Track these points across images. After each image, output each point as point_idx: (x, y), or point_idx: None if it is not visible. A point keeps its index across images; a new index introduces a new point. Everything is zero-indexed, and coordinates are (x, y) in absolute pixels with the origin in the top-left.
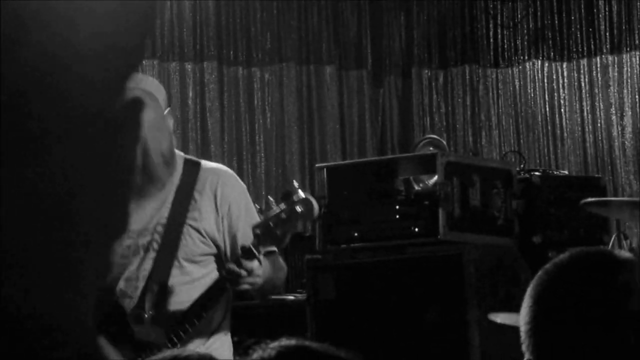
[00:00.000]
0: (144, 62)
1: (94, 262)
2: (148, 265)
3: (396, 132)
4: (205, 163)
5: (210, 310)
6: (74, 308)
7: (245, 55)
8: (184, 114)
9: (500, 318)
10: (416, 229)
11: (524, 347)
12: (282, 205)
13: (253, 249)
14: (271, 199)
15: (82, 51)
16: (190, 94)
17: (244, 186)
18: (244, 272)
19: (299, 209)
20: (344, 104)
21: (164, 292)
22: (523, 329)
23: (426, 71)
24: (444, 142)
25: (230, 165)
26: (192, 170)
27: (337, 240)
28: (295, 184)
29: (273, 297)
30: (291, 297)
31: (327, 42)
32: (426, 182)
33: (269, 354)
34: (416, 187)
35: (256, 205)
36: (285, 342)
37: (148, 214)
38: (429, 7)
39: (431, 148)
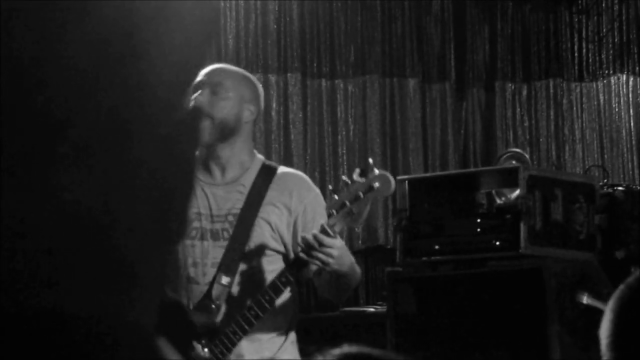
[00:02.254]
0: None
1: (149, 267)
2: (218, 253)
3: (479, 145)
4: (282, 167)
5: (274, 304)
6: (125, 312)
7: (329, 67)
8: (268, 126)
9: (586, 299)
10: (497, 243)
11: None
12: (359, 183)
13: (328, 229)
14: (346, 178)
15: (165, 77)
16: (274, 106)
17: (319, 191)
18: (317, 244)
19: (376, 184)
20: (427, 117)
21: (233, 283)
22: (604, 342)
23: (510, 85)
24: (527, 156)
25: (312, 178)
26: (268, 171)
27: (418, 252)
28: (371, 161)
29: (352, 308)
30: (371, 310)
31: (411, 55)
32: (508, 196)
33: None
34: (498, 201)
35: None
36: (346, 348)
37: (220, 202)
38: (513, 20)
39: (514, 161)
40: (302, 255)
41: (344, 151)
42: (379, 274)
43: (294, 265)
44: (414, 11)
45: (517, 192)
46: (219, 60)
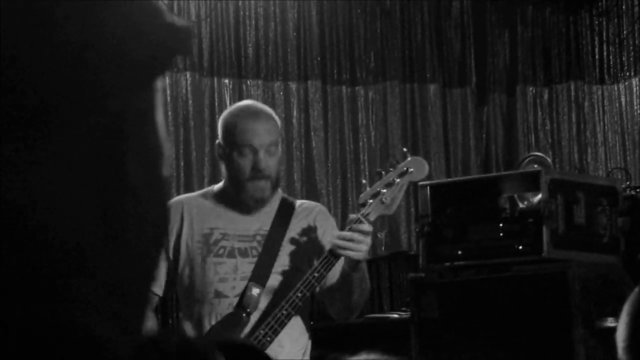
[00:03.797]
0: (248, 82)
1: (137, 266)
2: (247, 268)
3: (500, 149)
4: (299, 200)
5: (306, 300)
6: (119, 319)
7: (349, 74)
8: (288, 134)
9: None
10: (520, 247)
11: None
12: (393, 170)
13: (362, 217)
14: (380, 170)
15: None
16: (295, 114)
17: (333, 220)
18: (355, 235)
19: (410, 169)
20: (448, 122)
21: (263, 293)
22: (620, 346)
23: (531, 88)
24: (549, 160)
25: (334, 185)
26: (288, 201)
27: (441, 258)
28: (405, 149)
29: (375, 315)
30: (395, 316)
31: (431, 61)
32: (530, 200)
33: None
34: (520, 205)
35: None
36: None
37: (247, 224)
38: (533, 24)
39: (536, 165)
40: (335, 248)
41: (366, 158)
42: (402, 280)
43: (324, 262)
44: (433, 16)
45: (540, 196)
46: (239, 69)
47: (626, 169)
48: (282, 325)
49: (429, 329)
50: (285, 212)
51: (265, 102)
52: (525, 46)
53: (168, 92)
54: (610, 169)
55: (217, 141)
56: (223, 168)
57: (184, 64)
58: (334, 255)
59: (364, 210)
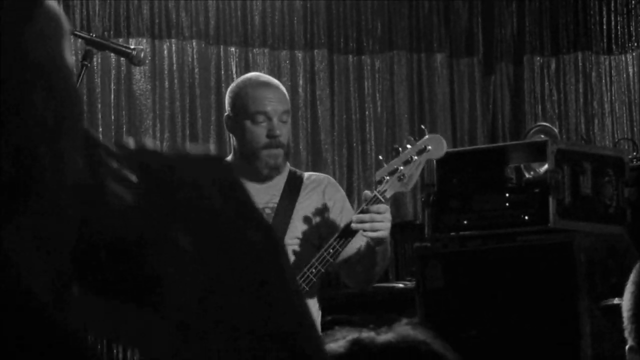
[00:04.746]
0: (255, 50)
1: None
2: None
3: (507, 119)
4: (307, 173)
5: (312, 287)
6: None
7: (356, 43)
8: (295, 103)
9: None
10: (526, 217)
11: (626, 333)
12: (410, 148)
13: (379, 195)
14: (398, 146)
15: None
16: (301, 83)
17: (343, 192)
18: (374, 215)
19: (428, 146)
20: (455, 92)
21: None
22: (625, 315)
23: (538, 58)
24: (556, 130)
25: (340, 154)
26: (296, 174)
27: (446, 228)
28: (423, 127)
29: (381, 284)
30: (400, 285)
31: (438, 30)
32: (537, 170)
33: (387, 339)
34: (526, 175)
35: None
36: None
37: (258, 196)
38: None
39: (542, 135)
40: (356, 228)
41: (372, 127)
42: (407, 250)
43: (340, 239)
44: None
45: (546, 166)
46: (245, 37)
47: (633, 140)
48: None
49: (434, 299)
50: (294, 184)
51: (271, 71)
52: (533, 16)
53: (174, 60)
54: (617, 140)
55: (226, 114)
56: (233, 140)
57: (190, 32)
58: (349, 232)
59: (380, 187)
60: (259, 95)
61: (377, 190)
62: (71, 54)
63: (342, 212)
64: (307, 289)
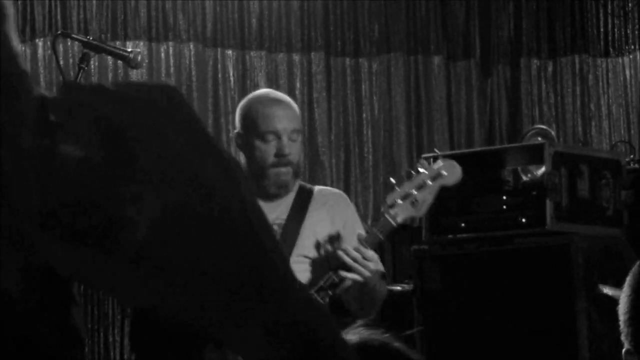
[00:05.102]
0: (252, 53)
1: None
2: None
3: (504, 122)
4: (317, 187)
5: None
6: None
7: (353, 45)
8: None
9: (609, 290)
10: (523, 220)
11: (623, 337)
12: (424, 173)
13: (389, 218)
14: (410, 169)
15: None
16: (298, 85)
17: (354, 207)
18: (358, 255)
19: (443, 172)
20: (452, 94)
21: None
22: (622, 318)
23: (535, 61)
24: (553, 133)
25: (337, 157)
26: (305, 189)
27: (444, 230)
28: (437, 151)
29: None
30: (398, 288)
31: (435, 32)
32: (534, 173)
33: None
34: (524, 178)
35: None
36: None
37: (266, 212)
38: None
39: (539, 138)
40: (341, 272)
41: (369, 130)
42: (405, 253)
43: (329, 281)
44: None
45: (543, 168)
46: (242, 40)
47: (630, 142)
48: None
49: (431, 301)
50: (303, 199)
51: (268, 73)
52: (530, 18)
53: (171, 62)
54: (614, 142)
55: (236, 131)
56: (242, 159)
57: (188, 35)
58: (340, 277)
59: (392, 211)
60: (269, 113)
61: (389, 213)
62: (17, 40)
63: (350, 231)
64: None
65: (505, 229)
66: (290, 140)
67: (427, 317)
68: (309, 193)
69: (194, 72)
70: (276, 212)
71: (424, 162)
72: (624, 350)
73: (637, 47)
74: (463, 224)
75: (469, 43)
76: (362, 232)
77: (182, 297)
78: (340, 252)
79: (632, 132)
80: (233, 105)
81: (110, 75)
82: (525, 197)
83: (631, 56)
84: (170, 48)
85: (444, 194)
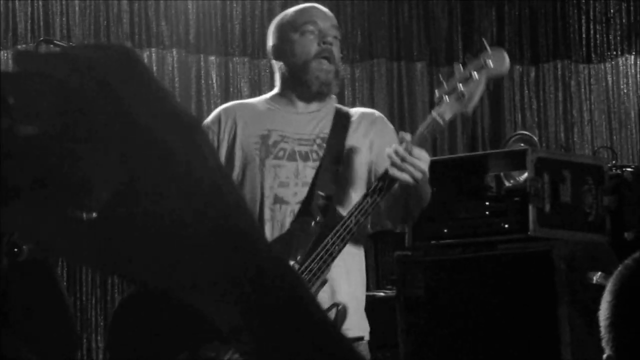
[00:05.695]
0: (235, 59)
1: None
2: (309, 173)
3: (487, 128)
4: (354, 109)
5: (352, 236)
6: None
7: None
8: None
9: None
10: (506, 225)
11: (604, 343)
12: (470, 64)
13: (437, 117)
14: (457, 64)
15: None
16: None
17: (392, 128)
18: (407, 155)
19: (489, 62)
20: (435, 100)
21: (329, 200)
22: (603, 324)
23: (518, 67)
24: (535, 138)
25: None
26: (344, 112)
27: (427, 236)
28: (484, 40)
29: None
30: (381, 294)
31: (418, 39)
32: (517, 178)
33: None
34: (506, 183)
35: None
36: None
37: (306, 127)
38: (520, 2)
39: (522, 144)
40: (391, 170)
41: None
42: (388, 258)
43: (379, 188)
44: None
45: (526, 174)
46: (225, 46)
47: (612, 148)
48: (339, 249)
49: (414, 307)
50: (342, 118)
51: (251, 79)
52: (512, 25)
53: (154, 69)
54: (596, 148)
55: (271, 44)
56: (281, 68)
57: (171, 41)
58: (388, 179)
59: (438, 109)
60: (305, 10)
61: (436, 112)
62: None
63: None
64: (348, 237)
65: (488, 235)
66: (332, 37)
67: (410, 323)
68: (347, 114)
69: (177, 79)
70: (318, 126)
71: (470, 55)
72: (604, 356)
73: (619, 53)
74: (446, 230)
75: (451, 49)
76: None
77: (150, 258)
78: (389, 152)
79: (614, 137)
80: None
81: None
82: (508, 203)
83: (613, 62)
84: (153, 54)
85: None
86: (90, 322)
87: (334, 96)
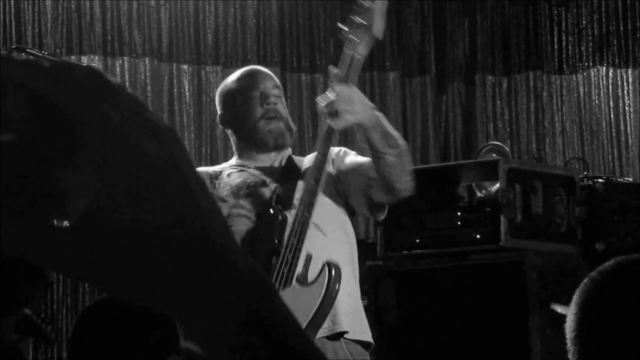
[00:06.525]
0: (207, 68)
1: None
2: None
3: (459, 138)
4: (304, 158)
5: (320, 183)
6: None
7: (309, 61)
8: None
9: (561, 309)
10: (478, 236)
11: (570, 355)
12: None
13: (354, 53)
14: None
15: None
16: None
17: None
18: (336, 101)
19: None
20: (407, 110)
21: (280, 191)
22: (569, 336)
23: (490, 77)
24: (507, 149)
25: None
26: (295, 162)
27: (399, 246)
28: None
29: None
30: None
31: (391, 49)
32: (488, 189)
33: None
34: (478, 194)
35: None
36: None
37: (271, 171)
38: (492, 13)
39: (494, 154)
40: (327, 120)
41: None
42: (360, 268)
43: (323, 138)
44: (393, 4)
45: (498, 185)
46: (198, 55)
47: (584, 159)
48: (309, 213)
49: (386, 317)
50: (295, 161)
51: None
52: (485, 35)
53: (127, 77)
54: (568, 159)
55: (219, 114)
56: (230, 135)
57: (143, 50)
58: (328, 127)
59: (350, 46)
60: (244, 76)
61: (348, 49)
62: None
63: (345, 152)
64: (313, 199)
65: (460, 245)
66: (274, 96)
67: (381, 333)
68: (300, 161)
69: (149, 87)
70: (282, 162)
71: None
72: None
73: (591, 64)
74: (418, 240)
75: (424, 59)
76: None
77: (125, 268)
78: (317, 101)
79: (586, 148)
80: (188, 119)
81: None
82: (480, 213)
83: (585, 73)
84: (126, 63)
85: (399, 210)
86: (61, 331)
87: (289, 149)
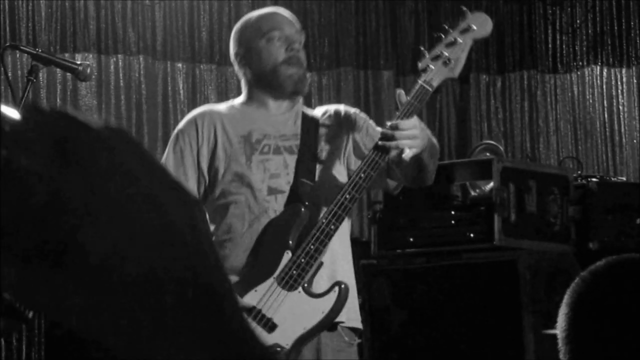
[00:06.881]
0: (202, 66)
1: None
2: (292, 163)
3: (453, 137)
4: (318, 109)
5: (347, 213)
6: None
7: None
8: None
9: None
10: (472, 235)
11: (561, 355)
12: (453, 30)
13: (424, 84)
14: (440, 33)
15: None
16: None
17: (361, 113)
18: (400, 133)
19: (472, 25)
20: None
21: (313, 188)
22: (560, 336)
23: (484, 76)
24: (501, 148)
25: None
26: (310, 110)
27: (393, 245)
28: (464, 8)
29: None
30: None
31: (385, 47)
32: (482, 188)
33: None
34: (472, 193)
35: None
36: None
37: (283, 124)
38: (487, 12)
39: (488, 153)
40: (382, 143)
41: None
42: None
43: (370, 162)
44: (387, 3)
45: (492, 184)
46: (192, 53)
47: (578, 158)
48: (335, 227)
49: (380, 316)
50: (311, 119)
51: (218, 87)
52: None
53: (121, 75)
54: (562, 158)
55: (234, 52)
56: (244, 75)
57: (137, 48)
58: (381, 151)
59: (425, 76)
60: (270, 16)
61: (423, 80)
62: None
63: (366, 125)
64: (344, 215)
65: (454, 244)
66: (299, 43)
67: (375, 332)
68: (314, 116)
69: (143, 85)
70: (296, 123)
71: (451, 22)
72: None
73: (585, 63)
74: (411, 239)
75: (418, 58)
76: (374, 124)
77: (133, 320)
78: (381, 130)
79: (580, 148)
80: (182, 117)
81: (59, 88)
82: (474, 212)
83: (579, 72)
84: (120, 61)
85: (393, 209)
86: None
87: (301, 99)
